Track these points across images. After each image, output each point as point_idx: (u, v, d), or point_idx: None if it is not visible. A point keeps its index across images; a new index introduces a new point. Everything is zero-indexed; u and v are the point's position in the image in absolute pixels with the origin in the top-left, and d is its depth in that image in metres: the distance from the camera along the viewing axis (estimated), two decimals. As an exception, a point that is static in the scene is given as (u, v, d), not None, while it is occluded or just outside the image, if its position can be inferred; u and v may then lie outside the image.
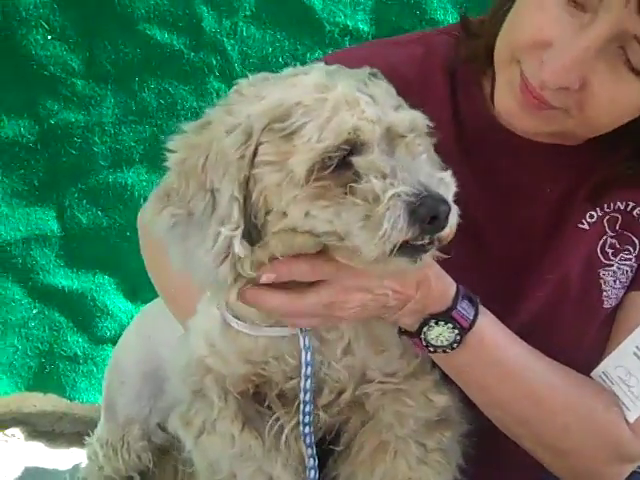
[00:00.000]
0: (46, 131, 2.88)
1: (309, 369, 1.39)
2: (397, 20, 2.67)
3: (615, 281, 1.54)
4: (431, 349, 1.41)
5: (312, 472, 1.46)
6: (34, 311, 3.08)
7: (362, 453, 1.51)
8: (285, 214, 1.20)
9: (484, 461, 1.52)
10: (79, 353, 3.10)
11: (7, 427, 3.23)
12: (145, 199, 2.85)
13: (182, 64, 2.77)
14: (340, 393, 1.46)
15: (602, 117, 1.37)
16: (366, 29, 2.70)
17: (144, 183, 2.91)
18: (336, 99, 1.18)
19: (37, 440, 3.22)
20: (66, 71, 2.81)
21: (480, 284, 1.44)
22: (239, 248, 1.20)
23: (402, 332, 1.43)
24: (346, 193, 1.16)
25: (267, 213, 1.22)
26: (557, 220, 1.55)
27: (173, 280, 1.70)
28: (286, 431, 1.48)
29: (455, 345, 1.40)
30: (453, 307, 1.40)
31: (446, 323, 1.39)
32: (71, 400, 3.14)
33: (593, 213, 1.54)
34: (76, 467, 2.84)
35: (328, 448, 1.54)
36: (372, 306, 1.35)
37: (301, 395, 1.41)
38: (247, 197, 1.22)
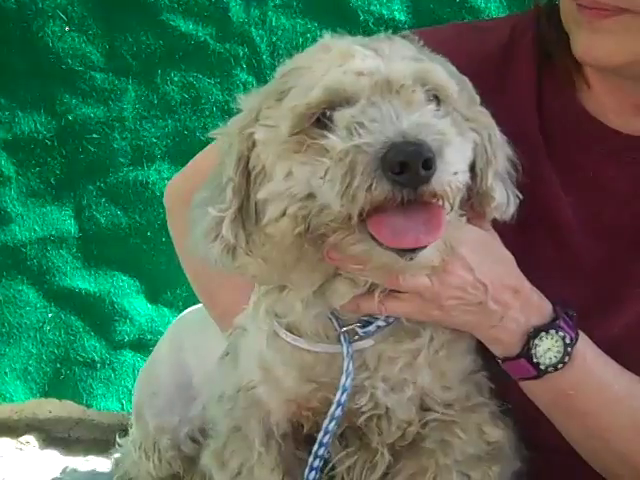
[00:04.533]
0: (63, 127, 2.81)
1: (344, 396, 1.28)
2: (435, 8, 2.57)
3: None
4: (541, 367, 1.31)
5: None
6: (50, 315, 3.00)
7: (398, 477, 1.42)
8: (271, 177, 1.17)
9: None
10: (96, 358, 3.02)
11: (21, 434, 3.14)
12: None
13: (207, 56, 2.70)
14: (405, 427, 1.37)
15: None
16: (403, 18, 2.60)
17: (166, 181, 2.78)
18: (332, 57, 1.16)
19: (52, 448, 3.14)
20: (85, 64, 2.74)
21: (566, 292, 1.35)
22: (226, 230, 1.19)
23: (503, 360, 1.34)
24: (327, 150, 1.09)
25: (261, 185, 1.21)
26: None
27: (211, 272, 1.61)
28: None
29: (567, 360, 1.31)
30: (558, 317, 1.31)
31: (557, 332, 1.30)
32: (88, 407, 3.06)
33: None
34: (94, 475, 2.79)
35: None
36: (471, 298, 1.26)
37: (321, 434, 1.31)
38: (249, 176, 1.21)
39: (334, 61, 1.14)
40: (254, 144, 1.20)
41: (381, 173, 1.02)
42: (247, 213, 1.22)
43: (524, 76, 1.48)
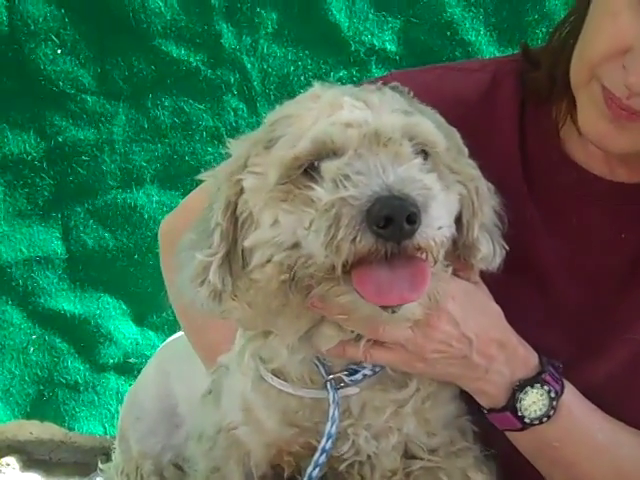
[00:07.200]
0: (53, 148, 2.82)
1: (329, 443, 1.26)
2: (426, 40, 2.58)
3: None
4: (526, 421, 1.30)
5: None
6: (34, 336, 3.00)
7: None
8: (258, 224, 1.16)
9: None
10: (80, 381, 3.01)
11: (2, 456, 3.12)
12: (155, 221, 2.77)
13: (199, 81, 2.70)
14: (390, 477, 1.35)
15: None
16: (393, 49, 2.61)
17: (155, 204, 2.83)
18: (321, 107, 1.15)
19: (33, 470, 3.14)
20: (76, 87, 2.76)
21: (549, 338, 1.35)
22: (213, 275, 1.18)
23: (488, 411, 1.33)
24: (312, 201, 1.09)
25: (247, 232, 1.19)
26: (634, 271, 1.42)
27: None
28: None
29: (552, 413, 1.30)
30: (543, 370, 1.30)
31: (542, 386, 1.29)
32: (70, 430, 3.05)
33: None
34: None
35: None
36: (455, 352, 1.25)
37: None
38: (236, 222, 1.20)
39: (323, 111, 1.14)
40: (242, 191, 1.19)
41: (365, 226, 1.02)
42: (234, 258, 1.21)
43: (506, 121, 1.48)
